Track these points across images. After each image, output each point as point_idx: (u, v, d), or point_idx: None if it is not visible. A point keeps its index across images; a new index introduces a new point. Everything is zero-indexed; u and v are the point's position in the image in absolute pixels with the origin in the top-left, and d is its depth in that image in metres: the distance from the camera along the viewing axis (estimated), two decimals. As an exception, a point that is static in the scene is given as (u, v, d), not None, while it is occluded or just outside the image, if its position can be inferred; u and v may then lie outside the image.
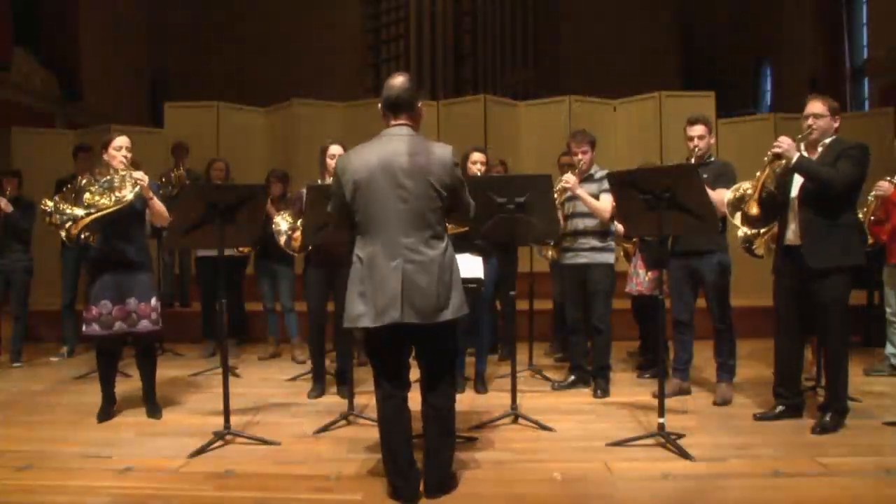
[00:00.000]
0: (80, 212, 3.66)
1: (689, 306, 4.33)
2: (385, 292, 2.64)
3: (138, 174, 3.81)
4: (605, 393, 4.44)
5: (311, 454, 3.36)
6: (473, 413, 4.01)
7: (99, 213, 3.70)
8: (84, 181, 3.85)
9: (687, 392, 4.41)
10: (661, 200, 3.35)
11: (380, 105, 2.83)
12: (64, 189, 3.96)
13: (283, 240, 4.60)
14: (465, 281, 2.94)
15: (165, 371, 5.28)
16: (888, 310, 5.06)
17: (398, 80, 2.80)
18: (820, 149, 3.64)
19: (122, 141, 3.90)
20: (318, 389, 4.57)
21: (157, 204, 3.93)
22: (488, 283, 4.48)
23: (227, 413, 3.58)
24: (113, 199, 3.74)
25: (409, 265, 2.65)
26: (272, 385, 4.99)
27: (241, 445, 3.50)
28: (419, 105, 2.82)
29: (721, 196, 3.98)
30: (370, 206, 2.69)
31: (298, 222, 4.52)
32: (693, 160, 4.16)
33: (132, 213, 3.88)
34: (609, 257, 4.52)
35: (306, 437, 3.64)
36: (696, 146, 4.24)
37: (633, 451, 3.34)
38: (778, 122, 7.74)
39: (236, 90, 11.76)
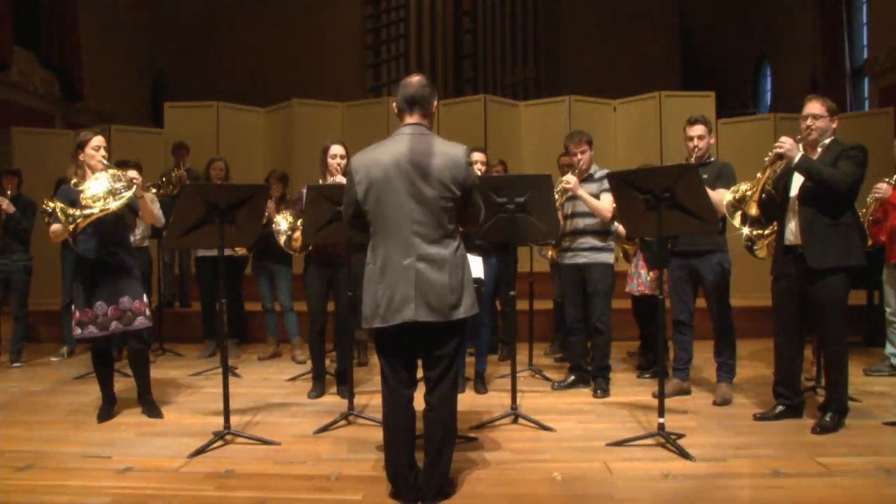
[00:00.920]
0: (90, 210, 3.65)
1: (688, 306, 4.33)
2: (398, 291, 2.65)
3: (132, 173, 3.80)
4: (605, 393, 4.45)
5: (311, 454, 3.36)
6: (473, 413, 4.01)
7: (105, 212, 3.70)
8: (73, 182, 3.82)
9: (687, 392, 4.41)
10: (661, 200, 3.36)
11: (394, 104, 2.85)
12: (53, 195, 3.95)
13: (283, 240, 4.60)
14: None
15: (165, 371, 5.30)
16: (888, 310, 5.06)
17: (416, 78, 2.83)
18: (819, 150, 3.64)
19: (98, 141, 3.87)
20: (318, 389, 4.57)
21: (148, 203, 3.96)
22: (488, 283, 4.49)
23: (227, 413, 3.58)
24: (112, 199, 3.72)
25: (421, 264, 2.65)
26: (272, 385, 4.99)
27: (241, 445, 3.50)
28: (434, 104, 2.83)
29: (721, 196, 3.98)
30: (383, 205, 2.69)
31: (299, 222, 4.52)
32: (692, 160, 4.16)
33: (119, 214, 3.87)
34: (609, 257, 4.53)
35: (306, 437, 3.64)
36: (695, 146, 4.25)
37: (633, 451, 3.34)
38: (778, 122, 7.76)
39: (236, 90, 11.77)
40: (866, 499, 2.78)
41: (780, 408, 3.80)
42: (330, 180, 4.42)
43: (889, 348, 5.04)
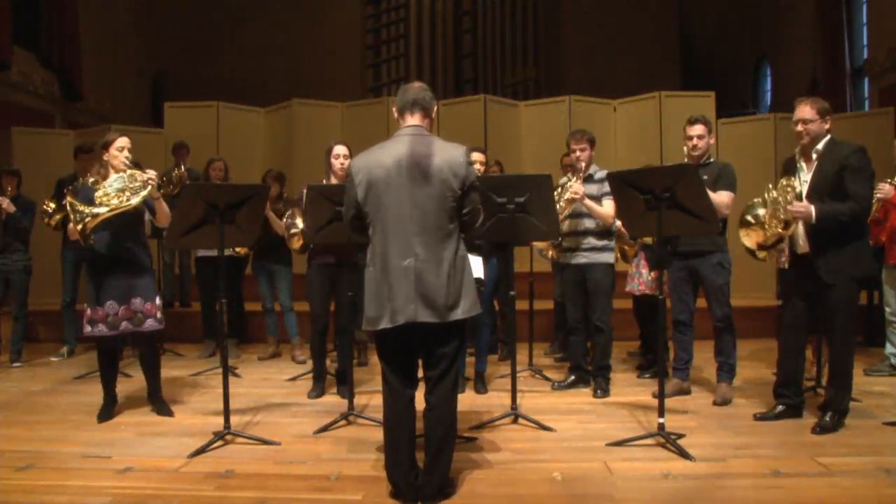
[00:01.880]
0: (101, 209, 3.66)
1: (688, 306, 4.33)
2: (398, 292, 2.65)
3: (150, 173, 3.83)
4: (605, 393, 4.44)
5: (311, 454, 3.36)
6: (473, 413, 4.01)
7: (117, 210, 3.71)
8: (91, 181, 3.87)
9: (687, 392, 4.41)
10: (661, 200, 3.35)
11: (394, 108, 2.87)
12: (66, 190, 3.97)
13: (288, 238, 4.63)
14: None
15: (166, 371, 5.25)
16: (887, 310, 5.06)
17: (417, 84, 2.89)
18: (814, 156, 3.60)
19: (123, 142, 3.91)
20: (319, 389, 4.57)
21: (164, 204, 3.98)
22: (488, 283, 4.49)
23: (227, 413, 3.58)
24: (125, 197, 3.75)
25: (421, 264, 2.66)
26: (272, 385, 4.99)
27: (241, 445, 3.50)
28: (434, 109, 2.86)
29: (722, 199, 3.97)
30: (383, 206, 2.69)
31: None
32: (689, 160, 4.16)
33: (137, 214, 3.90)
34: (609, 257, 4.53)
35: (306, 437, 3.64)
36: (694, 146, 4.24)
37: (633, 451, 3.34)
38: (778, 122, 7.76)
39: (236, 90, 11.76)
40: (866, 499, 2.78)
41: (780, 407, 3.80)
42: (334, 180, 4.42)
43: (889, 348, 5.04)
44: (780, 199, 3.62)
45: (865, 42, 11.06)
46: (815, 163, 3.60)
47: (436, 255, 2.68)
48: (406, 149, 2.70)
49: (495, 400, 4.37)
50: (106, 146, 3.90)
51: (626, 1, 14.61)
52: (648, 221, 3.48)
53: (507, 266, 4.76)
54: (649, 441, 3.41)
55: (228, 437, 3.54)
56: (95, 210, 3.66)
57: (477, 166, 4.51)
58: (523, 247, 5.36)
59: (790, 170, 3.75)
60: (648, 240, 4.80)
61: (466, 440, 3.49)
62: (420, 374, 2.84)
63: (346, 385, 4.14)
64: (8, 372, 5.53)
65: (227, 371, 3.70)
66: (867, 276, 3.59)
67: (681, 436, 3.44)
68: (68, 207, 3.64)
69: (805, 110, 3.60)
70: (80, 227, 3.60)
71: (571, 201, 4.42)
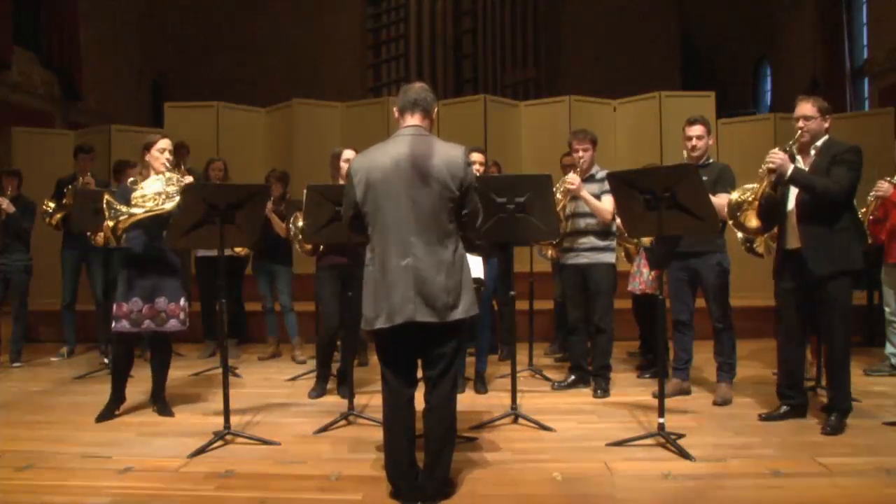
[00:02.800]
0: (137, 210, 3.68)
1: (688, 306, 4.33)
2: (397, 291, 2.65)
3: (188, 179, 3.86)
4: (605, 393, 4.44)
5: (312, 454, 3.36)
6: (473, 413, 4.00)
7: (152, 213, 3.74)
8: (130, 181, 3.92)
9: (687, 392, 4.41)
10: (661, 200, 3.35)
11: (394, 108, 2.87)
12: (65, 189, 3.98)
13: (294, 240, 4.66)
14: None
15: (165, 371, 5.28)
16: (887, 309, 5.06)
17: (417, 84, 2.89)
18: (812, 151, 3.63)
19: (165, 143, 3.95)
20: (319, 389, 4.56)
21: None
22: (488, 283, 4.48)
23: (227, 413, 3.58)
24: (161, 200, 3.78)
25: (420, 264, 2.66)
26: (272, 385, 4.99)
27: (241, 445, 3.50)
28: (434, 110, 2.86)
29: (721, 201, 3.98)
30: (382, 207, 2.70)
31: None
32: (688, 161, 4.16)
33: (168, 216, 3.87)
34: (610, 257, 4.52)
35: (306, 437, 3.64)
36: (693, 146, 4.25)
37: (633, 451, 3.34)
38: (778, 122, 7.76)
39: (236, 90, 11.75)
40: (866, 499, 2.78)
41: (784, 408, 3.80)
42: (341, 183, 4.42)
43: (889, 348, 5.03)
44: (755, 185, 3.66)
45: (865, 42, 11.07)
46: (812, 158, 3.62)
47: (435, 255, 2.68)
48: (405, 149, 2.70)
49: (495, 400, 4.37)
50: (148, 147, 3.94)
51: (627, 1, 14.61)
52: (648, 221, 3.48)
53: (507, 266, 4.77)
54: (649, 441, 3.41)
55: (228, 437, 3.54)
56: (132, 210, 3.69)
57: (476, 167, 4.51)
58: (523, 247, 5.36)
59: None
60: (646, 240, 4.80)
61: (466, 440, 3.49)
62: (420, 374, 2.84)
63: (346, 385, 4.14)
64: (8, 372, 5.53)
65: (227, 371, 3.70)
66: (856, 270, 3.55)
67: (681, 436, 3.44)
68: (104, 205, 3.66)
69: (806, 107, 3.62)
70: (112, 223, 3.62)
71: (568, 192, 4.42)
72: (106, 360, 5.24)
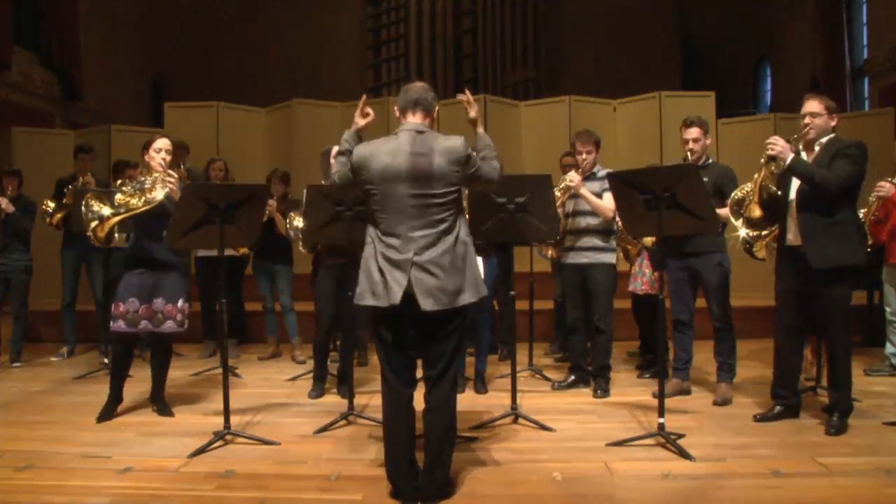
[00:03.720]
0: (106, 211, 3.68)
1: (688, 306, 4.33)
2: (395, 282, 2.65)
3: (171, 178, 3.84)
4: (605, 393, 4.44)
5: (311, 454, 3.36)
6: (473, 413, 4.00)
7: (126, 214, 3.72)
8: (118, 183, 3.91)
9: (687, 392, 4.41)
10: (661, 200, 3.35)
11: (396, 108, 2.88)
12: (65, 189, 3.98)
13: (299, 237, 4.66)
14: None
15: (165, 371, 5.29)
16: (888, 309, 5.06)
17: (419, 84, 2.92)
18: (817, 148, 3.63)
19: (162, 143, 3.95)
20: (319, 389, 4.57)
21: None
22: (488, 282, 4.48)
23: (227, 413, 3.58)
24: (143, 200, 3.77)
25: (422, 257, 2.66)
26: (272, 385, 4.99)
27: (241, 445, 3.50)
28: (435, 110, 2.88)
29: (726, 212, 3.97)
30: (385, 200, 2.71)
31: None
32: (686, 161, 4.16)
33: (164, 215, 3.86)
34: (611, 257, 4.52)
35: (306, 437, 3.64)
36: (691, 149, 4.25)
37: (633, 451, 3.34)
38: (778, 122, 7.74)
39: (236, 90, 11.75)
40: (866, 499, 2.78)
41: (778, 408, 3.80)
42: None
43: (889, 348, 5.03)
44: (756, 175, 3.68)
45: (865, 42, 11.07)
46: (815, 154, 3.62)
47: (438, 247, 2.68)
48: (406, 146, 2.72)
49: (495, 400, 4.37)
50: (146, 147, 3.95)
51: (627, 1, 14.61)
52: (648, 221, 3.48)
53: (507, 266, 4.76)
54: (649, 441, 3.41)
55: (228, 437, 3.54)
56: (103, 211, 3.68)
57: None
58: (524, 247, 5.36)
59: None
60: (648, 241, 4.80)
61: (466, 440, 3.49)
62: (419, 374, 2.84)
63: (346, 385, 4.14)
64: (8, 372, 5.53)
65: (227, 371, 3.70)
66: (856, 266, 3.53)
67: (681, 436, 3.44)
68: (83, 207, 3.65)
69: (814, 104, 3.63)
70: (91, 225, 3.62)
71: (568, 189, 4.42)
72: (106, 360, 5.24)
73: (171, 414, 4.05)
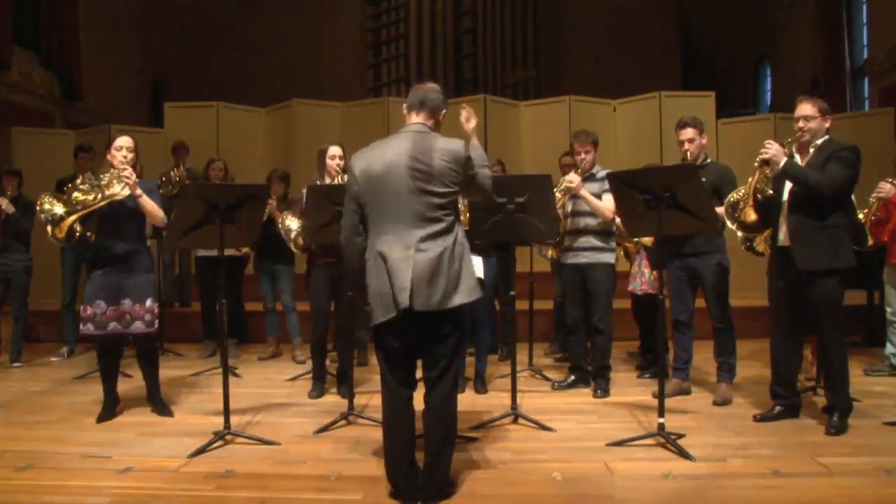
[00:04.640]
0: (59, 210, 3.65)
1: (688, 306, 4.33)
2: (396, 282, 2.65)
3: (126, 172, 3.79)
4: (605, 393, 4.44)
5: (311, 454, 3.36)
6: (473, 413, 4.00)
7: (83, 211, 3.68)
8: (79, 180, 3.87)
9: (687, 392, 4.41)
10: (661, 200, 3.35)
11: (404, 106, 2.89)
12: (65, 189, 3.96)
13: (291, 237, 4.65)
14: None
15: (165, 371, 5.26)
16: (888, 310, 5.05)
17: (429, 84, 2.93)
18: (811, 150, 3.63)
19: (122, 141, 3.92)
20: (319, 389, 4.57)
21: (147, 202, 3.86)
22: (488, 282, 4.49)
23: (227, 413, 3.58)
24: (98, 196, 3.73)
25: (418, 256, 2.66)
26: (272, 385, 4.99)
27: (241, 445, 3.50)
28: (443, 113, 2.89)
29: (723, 210, 3.97)
30: (383, 200, 2.71)
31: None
32: (686, 161, 4.15)
33: (126, 212, 3.85)
34: (610, 257, 4.52)
35: (306, 437, 3.64)
36: (687, 150, 4.24)
37: (633, 451, 3.34)
38: (778, 122, 7.76)
39: (236, 90, 11.76)
40: (866, 499, 2.78)
41: (777, 408, 3.80)
42: (327, 181, 4.42)
43: (889, 348, 5.03)
44: (750, 178, 3.68)
45: (865, 42, 11.07)
46: (809, 156, 3.62)
47: (433, 248, 2.68)
48: (407, 144, 2.73)
49: (495, 400, 4.37)
50: (108, 146, 3.94)
51: (627, 1, 14.61)
52: (648, 221, 3.48)
53: (507, 266, 4.76)
54: (649, 441, 3.41)
55: (228, 437, 3.54)
56: (55, 210, 3.65)
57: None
58: (524, 247, 5.36)
59: None
60: (647, 240, 4.80)
61: (466, 440, 3.49)
62: (419, 374, 2.84)
63: (346, 385, 4.14)
64: (8, 372, 5.53)
65: (227, 371, 3.70)
66: (845, 269, 3.53)
67: (681, 436, 3.44)
68: (38, 208, 3.64)
69: (807, 107, 3.63)
70: (50, 228, 3.60)
71: (568, 191, 4.42)
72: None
73: (170, 414, 4.05)
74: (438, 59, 14.86)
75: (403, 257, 2.66)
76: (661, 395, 3.44)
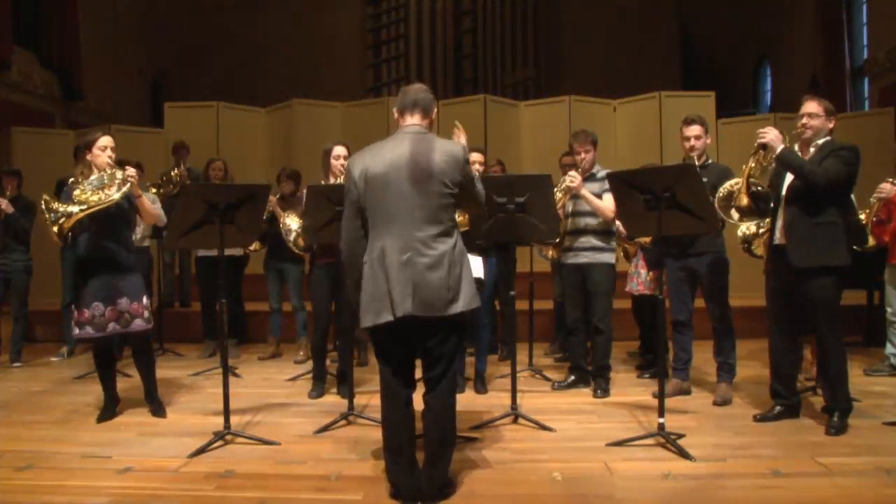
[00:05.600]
0: (74, 208, 3.65)
1: (687, 306, 4.33)
2: (396, 287, 2.65)
3: (129, 171, 3.79)
4: (605, 393, 4.44)
5: (311, 454, 3.36)
6: (473, 413, 4.00)
7: (92, 209, 3.68)
8: (71, 181, 3.85)
9: (687, 392, 4.41)
10: (661, 200, 3.35)
11: (395, 109, 2.89)
12: (64, 189, 3.96)
13: (291, 238, 4.63)
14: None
15: (165, 371, 5.28)
16: (888, 310, 5.05)
17: (417, 85, 2.92)
18: (812, 149, 3.64)
19: (106, 141, 3.88)
20: (319, 389, 4.57)
21: (146, 202, 3.89)
22: (488, 282, 4.49)
23: (227, 413, 3.58)
24: (103, 196, 3.72)
25: (419, 258, 2.66)
26: (272, 385, 4.99)
27: (241, 445, 3.50)
28: (434, 111, 2.89)
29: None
30: (383, 202, 2.70)
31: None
32: (687, 160, 4.15)
33: (119, 213, 3.86)
34: (610, 257, 4.52)
35: (306, 437, 3.64)
36: (692, 146, 4.24)
37: (633, 451, 3.34)
38: (778, 122, 7.72)
39: (236, 90, 11.76)
40: (866, 499, 2.78)
41: (777, 408, 3.80)
42: (332, 181, 4.42)
43: (889, 348, 5.03)
44: (744, 166, 3.69)
45: (865, 42, 11.07)
46: (810, 155, 3.63)
47: (434, 251, 2.68)
48: (406, 146, 2.72)
49: (495, 400, 4.37)
50: (88, 146, 3.86)
51: (627, 1, 14.61)
52: (648, 221, 3.48)
53: (507, 266, 4.76)
54: (649, 441, 3.41)
55: (228, 437, 3.54)
56: (70, 209, 3.63)
57: (476, 166, 4.51)
58: (524, 247, 5.36)
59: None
60: (645, 240, 4.80)
61: (466, 440, 3.49)
62: (419, 374, 2.84)
63: (346, 385, 4.14)
64: (8, 372, 5.53)
65: (227, 371, 3.70)
66: (839, 267, 3.53)
67: (681, 436, 3.44)
68: (43, 206, 3.61)
69: (812, 105, 3.64)
70: (55, 228, 3.59)
71: (569, 190, 4.41)
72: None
73: (164, 414, 4.04)
74: (438, 59, 14.86)
75: (404, 260, 2.66)
76: (661, 395, 3.44)
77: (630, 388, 4.70)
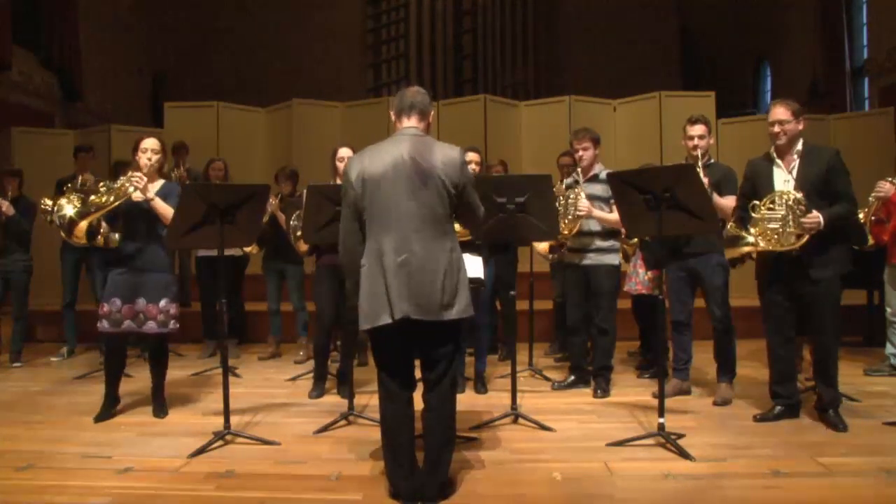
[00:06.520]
0: (69, 211, 3.68)
1: (687, 307, 4.33)
2: (393, 289, 2.65)
3: (136, 175, 3.81)
4: (606, 393, 4.44)
5: (311, 454, 3.36)
6: (473, 413, 4.00)
7: (98, 213, 3.71)
8: (79, 182, 3.92)
9: (687, 392, 4.41)
10: (661, 200, 3.35)
11: (392, 112, 2.89)
12: (64, 188, 3.98)
13: (295, 237, 4.64)
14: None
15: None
16: (888, 310, 5.05)
17: (414, 88, 2.93)
18: (796, 157, 3.65)
19: (148, 143, 3.95)
20: (319, 389, 4.56)
21: (159, 205, 3.87)
22: (488, 282, 4.48)
23: (227, 413, 3.58)
24: (112, 198, 3.78)
25: (416, 261, 2.66)
26: (272, 385, 4.99)
27: (241, 445, 3.50)
28: (431, 114, 2.89)
29: (730, 203, 3.96)
30: (381, 204, 2.70)
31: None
32: (689, 160, 4.15)
33: (142, 213, 3.86)
34: (614, 258, 4.51)
35: (306, 437, 3.64)
36: (695, 146, 4.24)
37: (634, 451, 3.34)
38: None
39: (236, 90, 11.76)
40: (866, 499, 2.78)
41: (778, 408, 3.80)
42: (337, 181, 4.43)
43: (889, 348, 5.03)
44: (789, 215, 3.52)
45: (865, 42, 11.08)
46: (797, 161, 3.64)
47: (432, 253, 2.68)
48: (405, 149, 2.72)
49: (495, 400, 4.36)
50: (135, 147, 3.97)
51: (626, 1, 14.61)
52: (648, 221, 3.48)
53: (508, 266, 4.76)
54: (649, 441, 3.41)
55: (228, 437, 3.54)
56: (66, 213, 3.73)
57: (472, 166, 4.51)
58: (524, 247, 5.36)
59: (760, 172, 3.74)
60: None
61: (466, 440, 3.49)
62: (418, 375, 2.84)
63: (346, 385, 4.14)
64: (8, 372, 5.53)
65: (227, 371, 3.69)
66: (847, 272, 3.63)
67: (681, 436, 3.44)
68: (74, 198, 3.71)
69: (780, 111, 3.65)
70: (62, 232, 3.65)
71: (579, 218, 4.37)
72: (106, 361, 5.24)
73: (164, 415, 4.04)
74: (438, 58, 14.86)
75: (400, 261, 2.66)
76: (661, 395, 3.44)
77: (630, 388, 4.70)
